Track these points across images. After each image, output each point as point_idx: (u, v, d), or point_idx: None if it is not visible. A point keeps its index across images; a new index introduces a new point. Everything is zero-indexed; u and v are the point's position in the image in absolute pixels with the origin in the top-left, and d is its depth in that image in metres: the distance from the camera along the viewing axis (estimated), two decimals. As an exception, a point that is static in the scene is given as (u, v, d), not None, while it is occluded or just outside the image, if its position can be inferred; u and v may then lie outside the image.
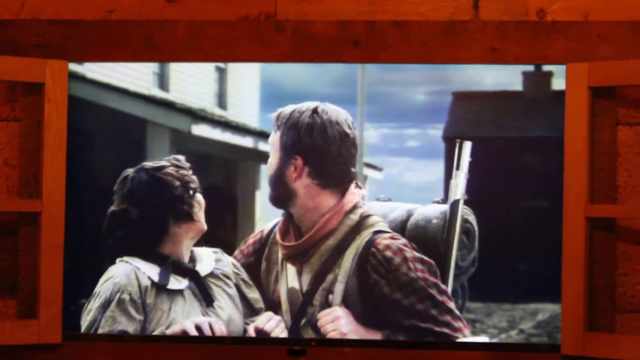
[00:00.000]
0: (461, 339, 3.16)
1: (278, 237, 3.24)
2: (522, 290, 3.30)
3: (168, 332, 3.17)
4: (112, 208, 3.23)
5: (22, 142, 3.28)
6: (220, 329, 3.19)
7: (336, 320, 3.16)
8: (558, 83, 3.24)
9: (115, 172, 3.27)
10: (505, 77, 3.30)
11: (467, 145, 3.16)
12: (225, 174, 3.42)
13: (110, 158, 3.29)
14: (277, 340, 3.21)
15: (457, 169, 3.17)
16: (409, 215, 3.20)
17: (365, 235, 3.16)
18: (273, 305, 3.25)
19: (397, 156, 3.29)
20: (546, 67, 3.28)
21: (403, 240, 3.13)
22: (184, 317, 3.20)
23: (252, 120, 3.38)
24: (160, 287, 3.17)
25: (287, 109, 3.18)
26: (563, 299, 3.15)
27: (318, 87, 3.30)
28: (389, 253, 3.13)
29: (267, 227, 3.29)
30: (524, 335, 3.29)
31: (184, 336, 3.17)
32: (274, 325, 3.21)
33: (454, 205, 3.14)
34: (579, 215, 3.12)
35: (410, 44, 3.22)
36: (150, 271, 3.18)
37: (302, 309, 3.20)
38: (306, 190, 3.18)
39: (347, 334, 3.18)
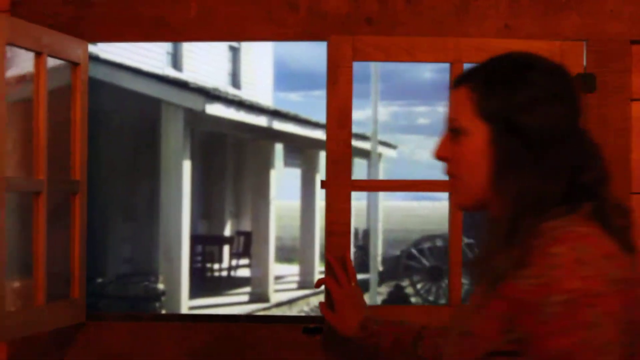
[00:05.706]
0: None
1: None
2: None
3: None
4: None
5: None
6: None
7: None
8: (572, 59, 3.22)
9: (130, 152, 3.29)
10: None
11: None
12: (239, 152, 3.43)
13: (125, 138, 3.32)
14: (293, 318, 3.23)
15: None
16: None
17: None
18: None
19: (408, 134, 3.31)
20: (560, 44, 3.25)
21: None
22: None
23: (265, 99, 3.39)
24: None
25: None
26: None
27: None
28: None
29: None
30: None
31: (199, 314, 3.19)
32: None
33: None
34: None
35: (423, 21, 3.20)
36: None
37: None
38: None
39: None
